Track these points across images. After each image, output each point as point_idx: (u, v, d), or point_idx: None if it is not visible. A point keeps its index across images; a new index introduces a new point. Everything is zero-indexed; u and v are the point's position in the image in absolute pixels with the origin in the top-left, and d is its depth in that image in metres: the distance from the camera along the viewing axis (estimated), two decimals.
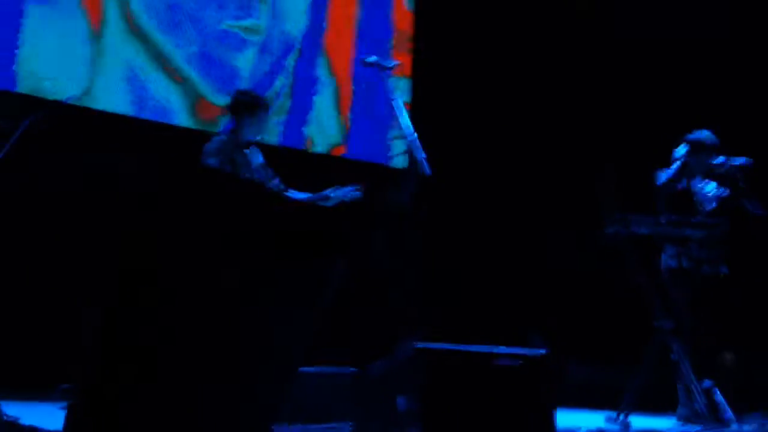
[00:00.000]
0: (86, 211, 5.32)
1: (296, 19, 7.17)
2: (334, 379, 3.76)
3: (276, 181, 5.01)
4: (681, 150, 5.26)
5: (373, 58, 4.58)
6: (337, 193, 4.92)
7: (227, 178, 1.83)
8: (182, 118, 6.46)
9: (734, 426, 4.54)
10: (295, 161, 5.25)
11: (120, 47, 6.18)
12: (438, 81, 7.70)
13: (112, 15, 6.15)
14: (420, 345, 3.34)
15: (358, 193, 4.97)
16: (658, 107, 7.53)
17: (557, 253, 7.64)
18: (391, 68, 4.67)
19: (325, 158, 7.13)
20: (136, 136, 6.06)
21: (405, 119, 4.39)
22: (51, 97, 5.68)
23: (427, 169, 4.22)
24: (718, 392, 4.74)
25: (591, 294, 7.01)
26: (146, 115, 6.27)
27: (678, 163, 5.19)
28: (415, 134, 4.33)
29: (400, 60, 7.09)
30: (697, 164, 5.31)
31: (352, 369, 3.71)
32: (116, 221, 1.82)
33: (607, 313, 5.53)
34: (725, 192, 5.38)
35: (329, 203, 4.90)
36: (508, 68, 8.03)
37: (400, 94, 4.72)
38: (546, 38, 8.16)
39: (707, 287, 5.16)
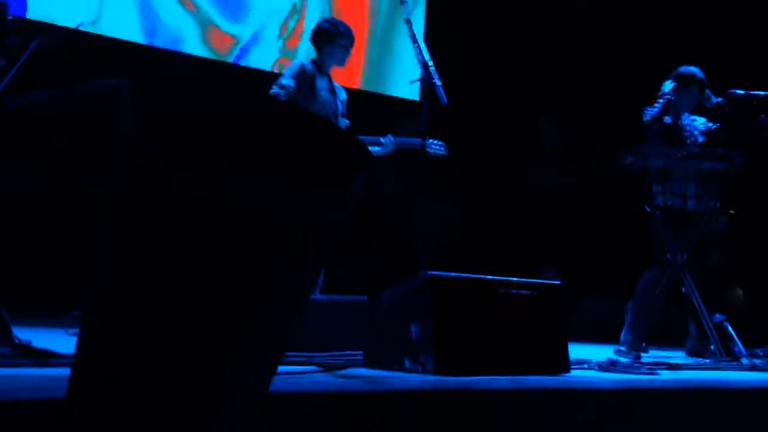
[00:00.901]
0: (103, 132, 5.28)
1: None
2: (347, 306, 3.76)
3: (345, 122, 5.01)
4: (668, 86, 5.19)
5: None
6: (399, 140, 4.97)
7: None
8: (194, 47, 6.38)
9: (744, 360, 4.55)
10: None
11: None
12: (454, 12, 7.58)
13: None
14: (433, 273, 3.33)
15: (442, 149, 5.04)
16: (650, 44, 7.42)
17: (568, 187, 7.61)
18: None
19: None
20: (147, 64, 6.00)
21: (422, 46, 4.32)
22: (62, 23, 5.62)
23: (444, 98, 4.17)
24: (729, 326, 4.74)
25: (602, 227, 7.00)
26: (157, 42, 6.20)
27: (664, 99, 5.12)
28: (432, 63, 4.27)
29: None
30: (685, 100, 5.27)
31: (364, 297, 3.70)
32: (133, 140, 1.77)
33: (617, 246, 5.51)
34: (715, 126, 5.37)
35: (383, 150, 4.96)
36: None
37: (417, 24, 4.65)
38: None
39: (694, 223, 5.09)
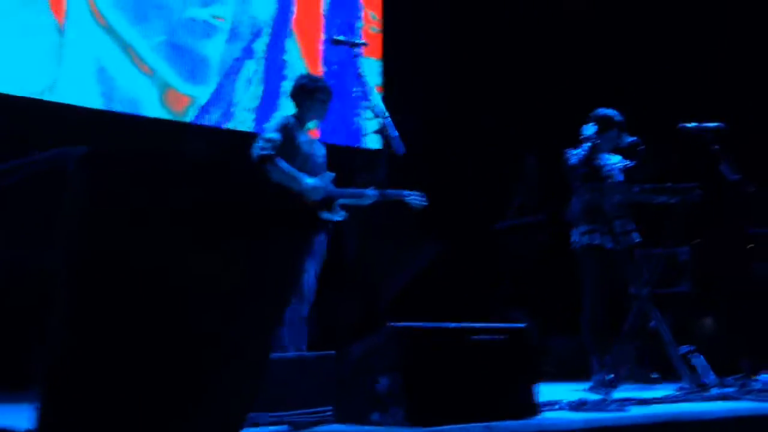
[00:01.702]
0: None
1: (264, 3, 7.11)
2: (313, 363, 3.74)
3: (331, 174, 5.04)
4: (590, 129, 5.29)
5: (341, 37, 4.63)
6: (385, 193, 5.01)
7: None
8: (152, 109, 6.40)
9: (715, 390, 4.57)
10: None
11: (86, 40, 6.11)
12: (408, 61, 7.67)
13: (77, 8, 6.07)
14: (399, 324, 3.33)
15: (423, 201, 5.08)
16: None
17: (533, 228, 7.68)
18: (360, 46, 4.69)
19: None
20: (106, 128, 5.99)
21: (376, 98, 4.39)
22: (16, 92, 5.63)
23: (400, 148, 4.23)
24: (700, 356, 4.77)
25: (568, 266, 7.05)
26: (115, 107, 6.21)
27: (590, 143, 5.22)
28: (387, 113, 4.32)
29: (369, 41, 7.07)
30: (605, 141, 5.39)
31: (330, 352, 3.69)
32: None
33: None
34: (631, 163, 5.52)
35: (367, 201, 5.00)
36: (477, 48, 8.04)
37: (371, 75, 4.74)
38: (508, 18, 8.18)
39: (622, 261, 5.18)
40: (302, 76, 5.25)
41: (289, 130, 4.92)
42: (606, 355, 5.01)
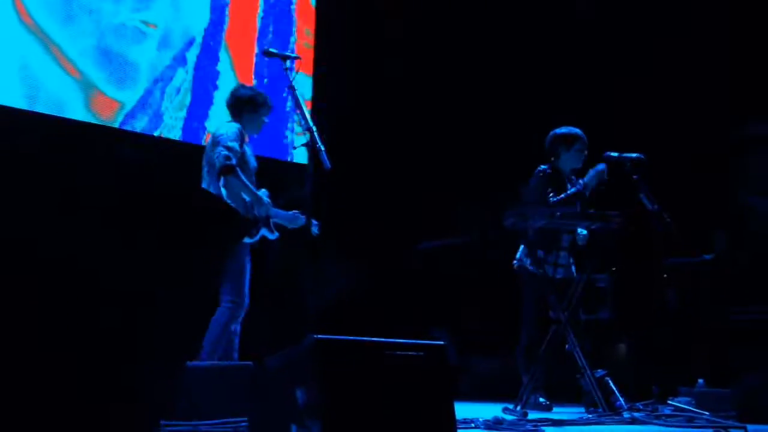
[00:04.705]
0: None
1: (198, 13, 7.05)
2: (230, 372, 3.71)
3: (263, 190, 5.04)
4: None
5: (274, 49, 4.65)
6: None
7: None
8: (78, 113, 6.28)
9: (626, 414, 4.66)
10: (195, 157, 5.19)
11: (11, 40, 5.96)
12: (339, 77, 7.70)
13: (1, 5, 5.92)
14: (318, 336, 3.32)
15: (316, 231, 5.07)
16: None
17: (455, 249, 7.75)
18: (292, 59, 4.70)
19: None
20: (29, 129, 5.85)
21: (305, 113, 4.40)
22: None
23: (327, 163, 4.24)
24: (611, 381, 4.86)
25: (489, 287, 7.13)
26: (40, 108, 6.07)
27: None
28: (315, 128, 4.33)
29: (302, 56, 7.08)
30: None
31: (248, 362, 3.66)
32: None
33: (505, 305, 5.65)
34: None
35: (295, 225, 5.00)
36: (410, 65, 8.11)
37: (302, 90, 4.74)
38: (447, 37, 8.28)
39: (557, 289, 5.26)
40: (245, 88, 5.24)
41: (241, 142, 4.91)
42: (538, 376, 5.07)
